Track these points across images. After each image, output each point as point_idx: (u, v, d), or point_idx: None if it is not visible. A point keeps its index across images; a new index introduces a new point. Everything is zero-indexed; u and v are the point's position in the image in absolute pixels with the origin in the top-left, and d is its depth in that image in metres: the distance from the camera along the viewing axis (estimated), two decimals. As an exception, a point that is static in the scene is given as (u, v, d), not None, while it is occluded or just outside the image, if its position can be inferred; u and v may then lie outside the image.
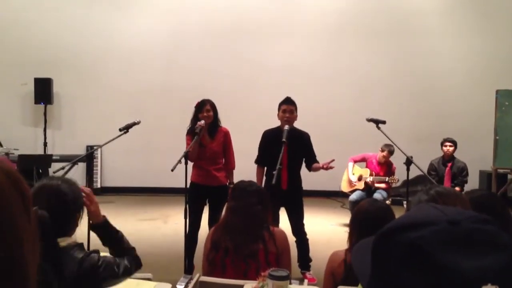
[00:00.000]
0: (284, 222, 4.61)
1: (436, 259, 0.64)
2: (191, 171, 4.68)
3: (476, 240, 0.66)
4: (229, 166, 4.80)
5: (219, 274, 2.68)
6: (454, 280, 0.62)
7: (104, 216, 2.19)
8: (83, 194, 2.08)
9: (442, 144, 6.96)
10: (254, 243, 2.72)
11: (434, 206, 0.75)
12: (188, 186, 4.55)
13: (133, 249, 2.21)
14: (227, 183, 4.74)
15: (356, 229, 2.40)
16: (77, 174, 7.65)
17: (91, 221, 2.17)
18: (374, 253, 0.73)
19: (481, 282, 0.62)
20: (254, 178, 3.14)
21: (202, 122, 4.48)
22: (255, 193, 2.86)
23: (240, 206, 2.79)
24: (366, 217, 2.38)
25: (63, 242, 1.89)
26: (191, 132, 4.61)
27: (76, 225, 2.04)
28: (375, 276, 0.72)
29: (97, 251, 1.97)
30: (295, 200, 4.68)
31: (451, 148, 6.84)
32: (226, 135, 4.75)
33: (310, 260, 4.77)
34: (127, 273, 2.06)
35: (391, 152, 6.62)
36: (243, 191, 2.86)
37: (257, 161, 4.83)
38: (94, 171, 9.10)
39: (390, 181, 6.66)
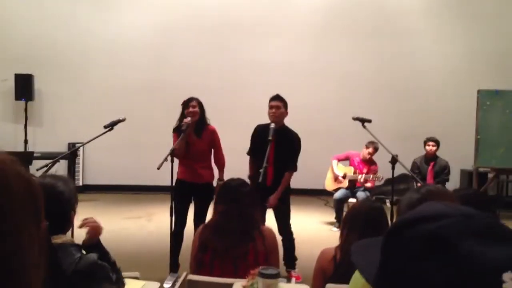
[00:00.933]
0: (270, 220, 4.60)
1: (460, 248, 0.63)
2: (177, 169, 4.65)
3: (492, 232, 0.66)
4: (219, 162, 4.81)
5: (206, 275, 2.66)
6: (480, 268, 0.62)
7: (98, 238, 2.17)
8: (90, 224, 2.08)
9: (425, 143, 7.04)
10: (244, 244, 2.69)
11: (442, 202, 0.75)
12: (174, 183, 4.53)
13: (120, 268, 2.18)
14: (217, 180, 4.73)
15: (348, 227, 2.41)
16: (59, 171, 7.53)
17: (85, 241, 2.12)
18: (386, 246, 0.71)
19: (504, 269, 0.61)
20: (244, 175, 3.09)
21: (189, 119, 4.46)
22: (249, 193, 2.83)
23: (234, 209, 2.73)
24: (359, 216, 2.40)
25: (59, 239, 1.87)
26: (178, 130, 4.58)
27: (71, 224, 2.01)
28: (385, 270, 0.70)
29: (95, 253, 1.95)
30: (282, 199, 4.67)
31: (434, 148, 6.93)
32: (213, 133, 4.74)
33: (295, 259, 4.78)
34: (119, 286, 2.04)
35: (376, 149, 6.67)
36: (237, 193, 2.80)
37: (249, 153, 4.82)
38: (76, 169, 8.98)
39: (374, 179, 6.70)
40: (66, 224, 1.98)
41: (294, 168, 4.71)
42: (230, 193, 2.83)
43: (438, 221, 0.66)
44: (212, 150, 4.78)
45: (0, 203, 0.68)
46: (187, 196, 4.64)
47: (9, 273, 0.68)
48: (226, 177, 3.15)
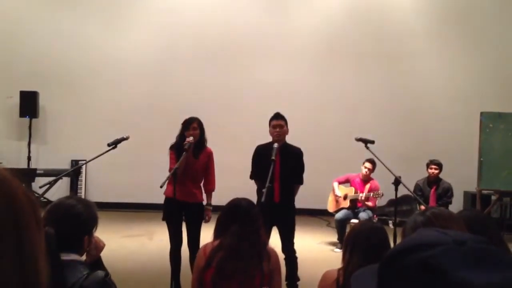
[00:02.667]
0: (272, 238, 4.57)
1: (450, 276, 0.64)
2: (165, 187, 4.37)
3: (483, 258, 0.67)
4: (209, 186, 4.75)
5: None
6: None
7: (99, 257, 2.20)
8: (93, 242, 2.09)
9: (427, 166, 7.02)
10: (254, 267, 2.66)
11: (436, 229, 0.76)
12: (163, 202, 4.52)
13: None
14: (205, 204, 4.71)
15: (350, 249, 2.40)
16: (61, 188, 7.55)
17: (86, 260, 2.14)
18: (381, 275, 0.73)
19: None
20: (242, 195, 3.06)
21: (191, 138, 4.45)
22: (259, 215, 2.81)
23: (248, 231, 2.69)
24: (360, 238, 2.38)
25: (67, 257, 1.88)
26: (175, 148, 4.56)
27: (84, 248, 2.03)
28: None
29: (103, 271, 1.94)
30: (288, 217, 4.68)
31: (436, 171, 6.91)
32: (210, 156, 4.72)
33: (298, 279, 4.75)
34: None
35: (372, 163, 6.68)
36: (250, 214, 2.76)
37: (252, 177, 4.82)
38: (79, 186, 8.98)
39: (375, 195, 6.68)
40: (77, 245, 1.98)
41: (301, 182, 4.84)
42: (242, 213, 2.76)
43: (430, 250, 0.68)
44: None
45: (14, 216, 0.72)
46: (179, 214, 4.57)
47: (27, 283, 0.72)
48: (227, 196, 3.11)
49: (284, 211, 4.61)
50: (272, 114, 4.80)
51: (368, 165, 6.76)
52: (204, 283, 2.68)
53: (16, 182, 0.75)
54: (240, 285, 2.62)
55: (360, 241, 2.37)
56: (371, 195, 6.69)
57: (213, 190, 4.75)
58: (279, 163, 4.40)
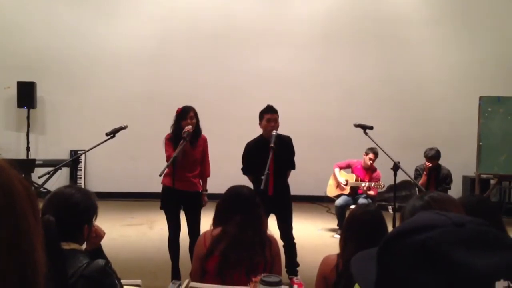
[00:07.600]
0: (271, 226, 4.58)
1: (450, 258, 0.64)
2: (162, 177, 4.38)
3: (483, 240, 0.67)
4: (205, 173, 4.75)
5: (216, 284, 2.63)
6: (469, 277, 0.63)
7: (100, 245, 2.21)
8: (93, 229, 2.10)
9: (425, 158, 6.91)
10: (257, 255, 2.66)
11: (436, 212, 0.76)
12: (161, 190, 4.54)
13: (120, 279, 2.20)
14: (201, 191, 4.71)
15: (345, 234, 2.41)
16: (61, 179, 7.56)
17: (87, 248, 2.15)
18: (380, 258, 0.72)
19: (495, 277, 0.63)
20: (240, 182, 3.06)
21: (189, 127, 4.42)
22: (260, 204, 2.81)
23: (250, 221, 2.70)
24: (354, 222, 2.39)
25: (67, 246, 1.89)
26: (173, 139, 4.51)
27: (84, 237, 2.03)
28: (382, 282, 0.72)
29: (103, 260, 1.94)
30: (284, 204, 4.70)
31: (434, 162, 6.80)
32: (205, 142, 4.72)
33: (297, 265, 4.78)
34: None
35: (376, 154, 6.65)
36: (251, 203, 2.76)
37: (244, 172, 4.84)
38: (78, 176, 8.99)
39: (376, 186, 6.69)
40: (77, 234, 1.99)
41: (293, 167, 4.91)
42: (244, 202, 2.77)
43: (428, 231, 0.68)
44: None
45: (11, 205, 0.72)
46: (177, 203, 4.55)
47: (24, 271, 0.72)
48: (226, 183, 3.11)
49: (280, 199, 4.64)
50: (269, 101, 4.78)
51: (371, 156, 6.72)
52: (207, 272, 2.68)
53: (13, 172, 0.76)
54: (245, 273, 2.61)
55: (354, 227, 2.38)
56: (373, 185, 6.68)
57: (209, 176, 4.78)
58: (272, 155, 4.39)
